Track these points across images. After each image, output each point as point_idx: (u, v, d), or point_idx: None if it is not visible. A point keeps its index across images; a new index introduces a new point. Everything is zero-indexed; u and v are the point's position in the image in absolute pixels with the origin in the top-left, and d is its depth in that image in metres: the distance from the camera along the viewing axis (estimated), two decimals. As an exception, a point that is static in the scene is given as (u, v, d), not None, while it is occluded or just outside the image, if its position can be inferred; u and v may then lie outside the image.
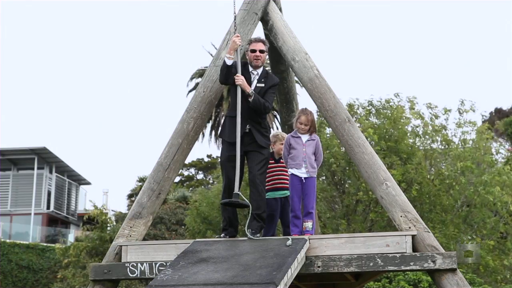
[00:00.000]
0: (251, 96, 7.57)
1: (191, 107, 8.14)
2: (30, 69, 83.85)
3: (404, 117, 18.97)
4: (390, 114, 18.77)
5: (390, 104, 19.21)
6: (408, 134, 18.97)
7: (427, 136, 19.17)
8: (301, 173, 7.69)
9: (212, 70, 8.21)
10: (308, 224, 7.57)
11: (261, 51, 7.80)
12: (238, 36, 7.68)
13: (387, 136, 18.20)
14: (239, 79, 7.58)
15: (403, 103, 19.39)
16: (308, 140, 7.78)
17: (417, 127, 19.20)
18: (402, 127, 18.49)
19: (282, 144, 8.11)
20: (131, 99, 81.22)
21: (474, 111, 19.42)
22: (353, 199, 18.41)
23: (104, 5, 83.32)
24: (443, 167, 18.93)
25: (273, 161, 8.19)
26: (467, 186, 18.06)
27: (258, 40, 7.88)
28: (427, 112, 19.55)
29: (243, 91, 7.58)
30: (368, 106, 19.52)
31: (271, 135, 8.36)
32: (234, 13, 8.05)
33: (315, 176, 7.77)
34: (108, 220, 25.66)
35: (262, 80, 7.77)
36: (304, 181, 7.67)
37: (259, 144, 7.64)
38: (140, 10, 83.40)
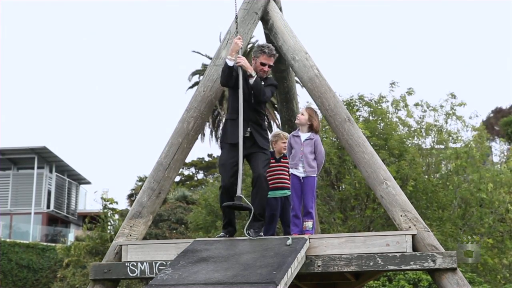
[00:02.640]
0: (253, 76, 7.48)
1: (191, 107, 8.12)
2: (30, 69, 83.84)
3: (390, 113, 18.97)
4: (375, 110, 18.77)
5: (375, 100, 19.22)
6: (402, 131, 18.96)
7: (420, 132, 19.17)
8: (299, 172, 7.68)
9: (212, 69, 8.19)
10: (308, 224, 7.56)
11: (270, 66, 7.75)
12: (240, 38, 7.65)
13: (376, 133, 18.15)
14: (241, 60, 7.50)
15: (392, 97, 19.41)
16: (306, 139, 7.75)
17: (412, 127, 19.19)
18: (388, 121, 18.43)
19: (284, 142, 8.13)
20: (131, 98, 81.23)
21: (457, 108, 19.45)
22: (347, 194, 18.31)
23: (104, 5, 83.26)
24: (441, 165, 18.91)
25: (273, 161, 8.18)
26: (461, 184, 18.03)
27: (271, 55, 7.72)
28: (417, 110, 19.59)
29: (243, 93, 7.50)
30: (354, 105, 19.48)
31: (272, 135, 8.37)
32: (235, 12, 8.03)
33: (315, 175, 7.73)
34: (110, 217, 25.48)
35: (262, 81, 7.75)
36: (302, 180, 7.67)
37: (261, 146, 7.61)
38: (140, 10, 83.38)
